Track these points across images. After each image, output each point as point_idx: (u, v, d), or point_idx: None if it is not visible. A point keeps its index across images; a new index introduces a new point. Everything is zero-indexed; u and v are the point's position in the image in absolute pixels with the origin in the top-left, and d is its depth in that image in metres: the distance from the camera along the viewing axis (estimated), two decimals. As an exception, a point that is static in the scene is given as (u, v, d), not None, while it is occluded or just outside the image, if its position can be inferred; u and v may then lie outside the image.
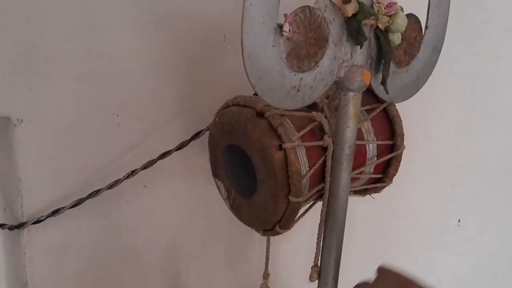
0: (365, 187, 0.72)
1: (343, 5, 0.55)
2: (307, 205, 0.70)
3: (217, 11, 0.80)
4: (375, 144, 0.68)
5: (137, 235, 0.83)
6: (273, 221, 0.65)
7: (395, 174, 0.71)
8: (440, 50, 0.69)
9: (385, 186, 0.72)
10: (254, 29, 0.49)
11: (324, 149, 0.63)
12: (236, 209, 0.73)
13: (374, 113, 0.68)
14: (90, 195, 0.74)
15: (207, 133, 0.75)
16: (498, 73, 1.03)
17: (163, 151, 0.77)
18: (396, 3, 0.57)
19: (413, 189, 1.05)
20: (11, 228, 0.71)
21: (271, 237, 0.74)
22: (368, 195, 0.75)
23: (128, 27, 0.74)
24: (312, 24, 0.53)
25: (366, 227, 1.03)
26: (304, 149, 0.62)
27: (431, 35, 0.66)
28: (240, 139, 0.65)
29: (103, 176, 0.76)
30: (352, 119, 0.60)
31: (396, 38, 0.60)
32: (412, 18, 0.63)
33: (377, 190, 0.73)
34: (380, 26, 0.58)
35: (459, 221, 1.10)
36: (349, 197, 0.65)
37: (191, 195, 0.86)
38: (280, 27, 0.51)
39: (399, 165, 0.70)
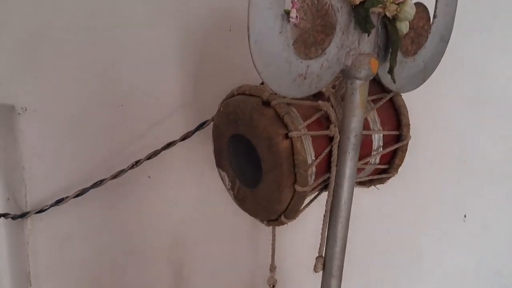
0: (371, 177, 0.72)
1: (351, -7, 0.54)
2: (312, 196, 0.70)
3: (224, 1, 0.79)
4: (381, 134, 0.67)
5: (141, 226, 0.83)
6: (278, 211, 0.65)
7: (401, 165, 0.70)
8: (448, 40, 0.68)
9: (390, 177, 0.72)
10: (261, 14, 0.48)
11: (330, 138, 0.62)
12: (240, 200, 0.72)
13: (380, 103, 0.67)
14: (94, 185, 0.74)
15: (212, 123, 0.75)
16: (506, 67, 1.02)
17: (168, 141, 0.77)
18: (404, -9, 0.56)
19: (419, 184, 1.05)
20: (14, 217, 0.71)
21: (276, 228, 0.74)
22: (372, 186, 0.74)
23: (134, 18, 0.74)
24: (320, 11, 0.53)
25: (371, 221, 1.02)
26: (310, 138, 0.61)
27: (439, 25, 0.65)
28: (245, 128, 0.64)
29: (108, 166, 0.76)
30: (359, 108, 0.59)
31: (404, 27, 0.59)
32: (420, 7, 0.62)
33: (382, 181, 0.73)
34: (388, 14, 0.57)
35: (465, 216, 1.10)
36: (354, 189, 0.64)
37: (195, 185, 0.86)
38: (287, 13, 0.50)
39: (404, 156, 0.70)
